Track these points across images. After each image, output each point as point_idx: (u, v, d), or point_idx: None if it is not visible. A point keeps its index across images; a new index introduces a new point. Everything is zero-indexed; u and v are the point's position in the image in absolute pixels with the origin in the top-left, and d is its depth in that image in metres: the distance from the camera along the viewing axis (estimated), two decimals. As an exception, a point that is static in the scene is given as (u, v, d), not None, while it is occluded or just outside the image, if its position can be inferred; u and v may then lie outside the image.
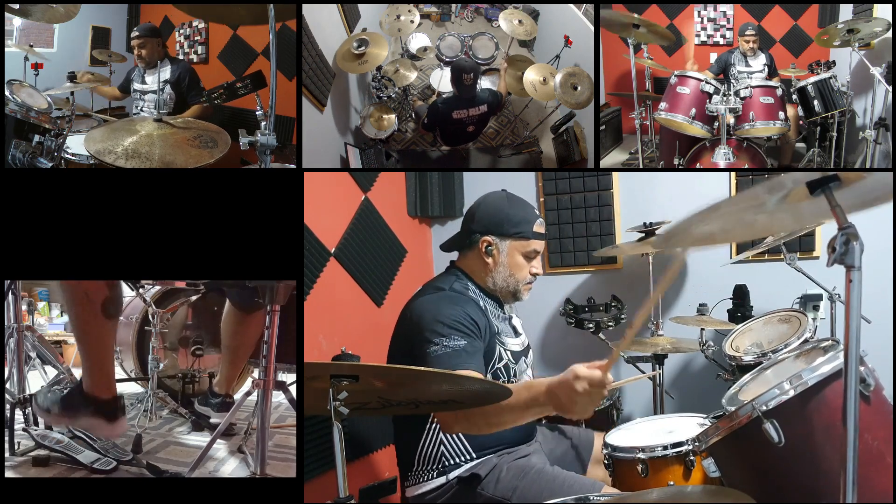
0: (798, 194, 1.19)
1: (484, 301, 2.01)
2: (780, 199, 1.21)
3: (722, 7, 3.70)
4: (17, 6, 2.53)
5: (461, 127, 3.06)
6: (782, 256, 2.57)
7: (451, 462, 1.94)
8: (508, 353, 2.00)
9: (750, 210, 1.27)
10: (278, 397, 2.20)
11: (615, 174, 3.32)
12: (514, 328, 2.10)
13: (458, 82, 2.96)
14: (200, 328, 2.86)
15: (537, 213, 2.05)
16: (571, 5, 3.25)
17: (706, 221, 1.27)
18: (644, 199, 3.26)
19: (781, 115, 2.79)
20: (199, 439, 2.41)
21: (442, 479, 1.94)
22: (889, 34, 2.71)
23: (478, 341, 1.85)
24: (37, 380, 2.55)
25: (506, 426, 1.70)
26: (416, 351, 1.83)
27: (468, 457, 1.95)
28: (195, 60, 3.77)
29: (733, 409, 1.52)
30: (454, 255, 2.14)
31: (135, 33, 3.19)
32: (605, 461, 1.95)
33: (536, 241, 2.01)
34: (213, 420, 2.53)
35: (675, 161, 2.94)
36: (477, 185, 3.46)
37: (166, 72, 3.18)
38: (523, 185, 3.37)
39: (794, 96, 2.98)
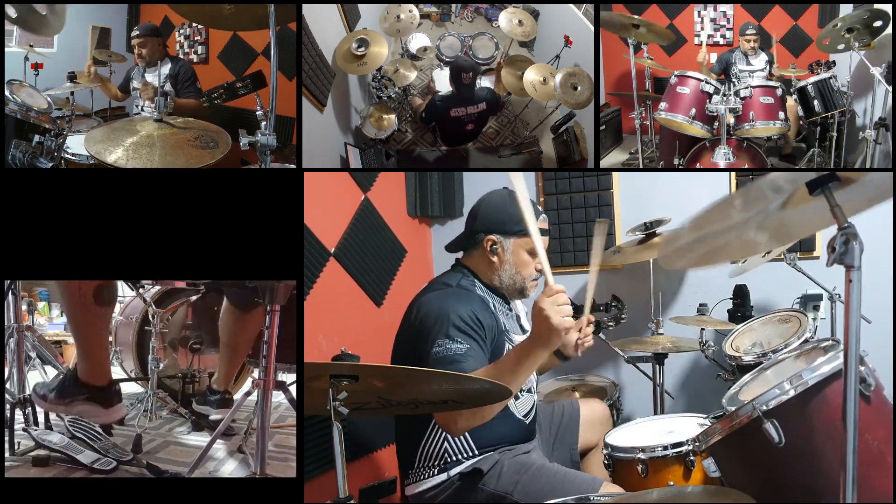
0: (799, 197, 1.19)
1: (491, 298, 2.02)
2: (778, 206, 1.21)
3: (722, 7, 3.70)
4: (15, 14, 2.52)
5: (460, 125, 3.06)
6: (782, 256, 2.57)
7: (454, 459, 1.95)
8: None
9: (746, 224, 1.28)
10: (278, 397, 2.20)
11: (615, 174, 3.32)
12: (521, 326, 2.11)
13: (456, 81, 2.96)
14: (200, 328, 2.86)
15: (540, 209, 2.06)
16: (571, 5, 3.25)
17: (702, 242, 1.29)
18: (644, 199, 3.26)
19: (781, 115, 2.79)
20: (199, 439, 2.41)
21: (443, 476, 1.94)
22: (889, 33, 2.71)
23: (482, 343, 1.85)
24: (37, 380, 2.55)
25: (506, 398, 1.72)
26: (420, 349, 1.83)
27: (470, 454, 1.95)
28: (195, 60, 3.77)
29: (733, 409, 1.52)
30: (456, 255, 2.14)
31: (135, 32, 3.19)
32: (605, 461, 1.95)
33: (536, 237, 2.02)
34: (212, 417, 2.53)
35: (675, 161, 2.94)
36: (477, 185, 3.46)
37: (166, 70, 3.18)
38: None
39: (795, 96, 2.98)
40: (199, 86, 3.23)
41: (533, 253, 2.01)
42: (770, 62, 3.30)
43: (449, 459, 1.94)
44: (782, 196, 1.23)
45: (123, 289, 2.69)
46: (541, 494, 1.82)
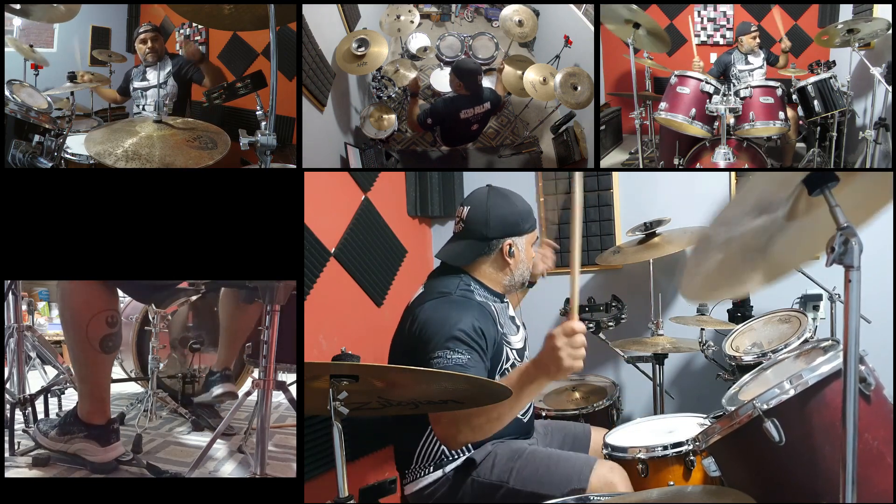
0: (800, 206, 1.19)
1: (489, 301, 2.01)
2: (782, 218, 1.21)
3: (722, 7, 3.70)
4: (18, 6, 2.53)
5: (466, 126, 3.07)
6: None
7: (450, 457, 1.95)
8: (514, 351, 2.01)
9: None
10: (278, 397, 2.21)
11: (615, 174, 3.32)
12: (516, 323, 2.11)
13: (471, 82, 2.95)
14: (200, 328, 2.86)
15: (535, 218, 2.15)
16: (571, 5, 3.25)
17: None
18: (644, 199, 3.26)
19: (781, 115, 2.79)
20: (199, 439, 2.41)
21: (439, 473, 1.95)
22: (889, 34, 2.71)
23: (482, 355, 1.84)
24: (37, 380, 2.56)
25: (507, 417, 1.70)
26: (420, 358, 1.82)
27: (467, 454, 1.95)
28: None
29: (734, 408, 1.52)
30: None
31: (145, 27, 3.20)
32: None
33: (537, 228, 2.13)
34: (216, 394, 2.57)
35: (675, 161, 2.94)
36: (477, 186, 3.44)
37: (168, 67, 3.18)
38: (523, 185, 3.37)
39: (794, 96, 2.98)
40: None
41: (533, 243, 2.09)
42: (767, 59, 3.30)
43: (445, 458, 1.95)
44: (780, 206, 1.23)
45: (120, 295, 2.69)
46: (536, 477, 1.83)
